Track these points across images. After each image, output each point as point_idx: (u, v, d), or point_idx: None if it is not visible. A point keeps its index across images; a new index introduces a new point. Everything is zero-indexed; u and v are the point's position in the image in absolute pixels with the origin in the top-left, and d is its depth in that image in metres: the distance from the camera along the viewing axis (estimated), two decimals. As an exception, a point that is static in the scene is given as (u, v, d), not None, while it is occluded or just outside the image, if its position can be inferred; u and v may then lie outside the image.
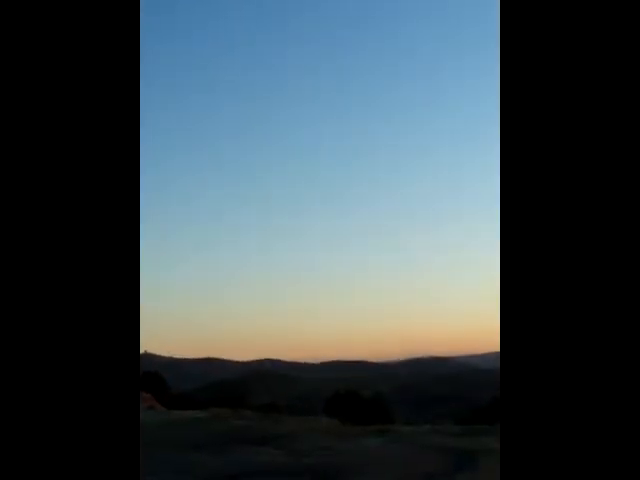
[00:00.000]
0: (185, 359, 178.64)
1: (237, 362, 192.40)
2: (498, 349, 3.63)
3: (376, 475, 8.85)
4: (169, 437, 11.98)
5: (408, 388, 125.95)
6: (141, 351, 3.65)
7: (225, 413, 17.36)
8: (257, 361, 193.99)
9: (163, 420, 14.88)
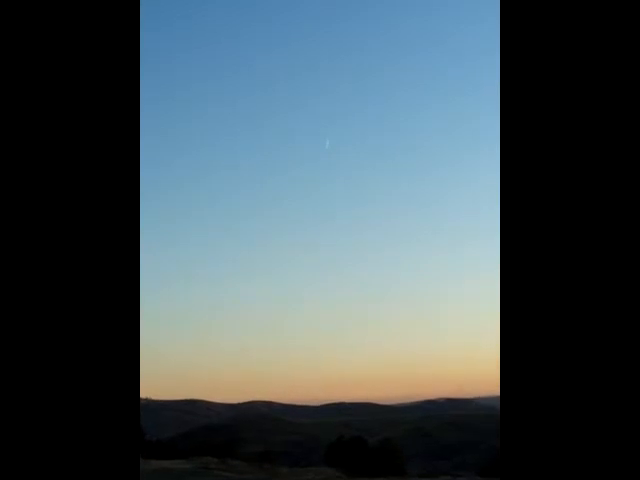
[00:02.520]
0: (164, 401, 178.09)
1: (224, 404, 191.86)
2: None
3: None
4: (149, 491, 11.93)
5: (421, 434, 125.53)
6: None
7: (211, 463, 17.40)
8: (247, 403, 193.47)
9: (141, 471, 14.82)
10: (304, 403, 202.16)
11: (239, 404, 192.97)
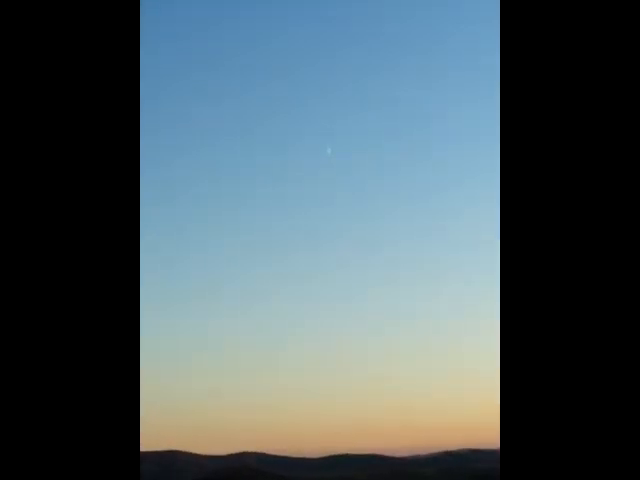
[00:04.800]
0: (140, 452, 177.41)
1: (209, 456, 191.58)
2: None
3: None
4: None
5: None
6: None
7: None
8: (236, 455, 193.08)
9: None
10: (301, 455, 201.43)
11: (226, 456, 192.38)
